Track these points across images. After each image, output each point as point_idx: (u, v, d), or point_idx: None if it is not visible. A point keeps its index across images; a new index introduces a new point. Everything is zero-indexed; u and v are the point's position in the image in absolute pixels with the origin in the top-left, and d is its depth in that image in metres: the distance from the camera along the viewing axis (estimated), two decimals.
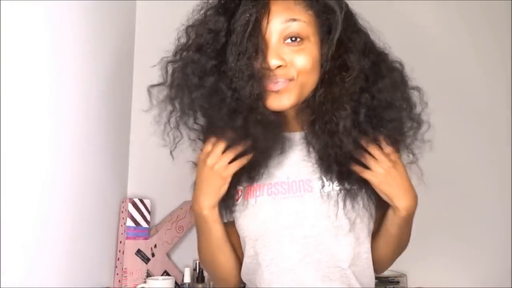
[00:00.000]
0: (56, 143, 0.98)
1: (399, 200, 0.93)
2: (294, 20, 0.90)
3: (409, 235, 1.04)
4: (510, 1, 1.80)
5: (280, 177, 0.96)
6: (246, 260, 0.98)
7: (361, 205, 0.94)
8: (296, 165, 0.97)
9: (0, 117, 0.75)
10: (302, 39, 0.91)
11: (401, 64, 0.99)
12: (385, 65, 0.96)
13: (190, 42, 0.94)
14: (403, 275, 1.57)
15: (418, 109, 0.97)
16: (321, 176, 0.94)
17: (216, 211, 0.96)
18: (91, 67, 1.20)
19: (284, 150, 0.97)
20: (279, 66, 0.88)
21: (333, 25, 0.93)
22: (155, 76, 1.60)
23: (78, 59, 1.10)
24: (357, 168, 0.93)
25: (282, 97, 0.91)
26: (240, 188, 0.98)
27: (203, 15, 0.94)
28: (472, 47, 1.84)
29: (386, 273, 1.03)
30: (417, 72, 1.00)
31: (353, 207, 0.93)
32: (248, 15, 0.87)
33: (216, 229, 0.98)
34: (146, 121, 1.68)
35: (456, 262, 1.72)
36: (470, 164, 1.79)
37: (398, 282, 1.55)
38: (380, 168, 0.92)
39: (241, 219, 0.97)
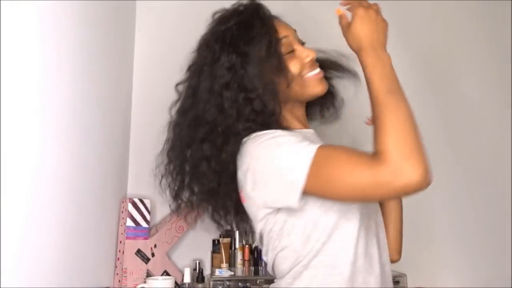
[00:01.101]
0: (56, 143, 0.98)
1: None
2: (295, 31, 1.12)
3: None
4: (510, 1, 1.80)
5: None
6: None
7: None
8: None
9: (0, 117, 0.75)
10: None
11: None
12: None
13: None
14: (403, 275, 1.57)
15: None
16: None
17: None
18: (91, 67, 1.20)
19: None
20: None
21: None
22: (155, 75, 1.59)
23: (78, 58, 1.10)
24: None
25: (323, 81, 1.09)
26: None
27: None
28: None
29: None
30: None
31: None
32: (268, 36, 1.04)
33: None
34: (146, 121, 1.67)
35: (456, 262, 1.72)
36: (470, 164, 1.79)
37: (398, 282, 1.55)
38: None
39: (315, 208, 0.96)
